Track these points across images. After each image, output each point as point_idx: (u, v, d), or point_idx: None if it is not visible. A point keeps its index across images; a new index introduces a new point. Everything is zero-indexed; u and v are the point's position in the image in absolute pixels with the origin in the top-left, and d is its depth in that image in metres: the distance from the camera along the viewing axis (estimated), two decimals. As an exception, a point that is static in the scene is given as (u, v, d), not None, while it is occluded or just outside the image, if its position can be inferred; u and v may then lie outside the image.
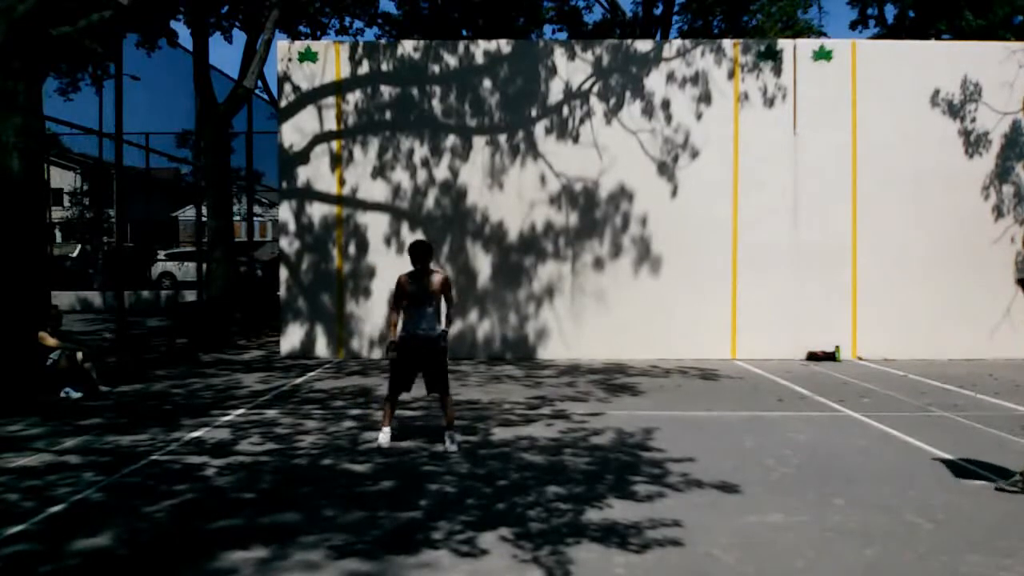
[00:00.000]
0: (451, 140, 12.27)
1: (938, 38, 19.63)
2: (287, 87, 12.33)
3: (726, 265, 12.15)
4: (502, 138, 12.25)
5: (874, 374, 10.62)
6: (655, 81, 12.24)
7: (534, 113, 12.26)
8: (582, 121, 12.22)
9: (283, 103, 12.39)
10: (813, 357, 11.92)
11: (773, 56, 12.21)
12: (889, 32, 22.44)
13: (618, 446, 6.49)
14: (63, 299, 18.48)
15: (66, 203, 35.45)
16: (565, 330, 12.23)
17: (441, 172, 12.28)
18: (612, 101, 12.24)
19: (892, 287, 12.04)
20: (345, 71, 12.27)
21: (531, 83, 12.26)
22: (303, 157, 12.27)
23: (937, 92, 12.20)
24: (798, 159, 12.13)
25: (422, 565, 3.96)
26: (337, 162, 12.28)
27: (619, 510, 4.81)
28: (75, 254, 27.35)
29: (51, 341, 8.69)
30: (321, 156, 12.29)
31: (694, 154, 12.18)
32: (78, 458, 6.05)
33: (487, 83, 12.29)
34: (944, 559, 4.08)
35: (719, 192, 12.15)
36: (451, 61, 12.32)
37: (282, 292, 12.50)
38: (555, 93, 12.24)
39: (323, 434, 6.93)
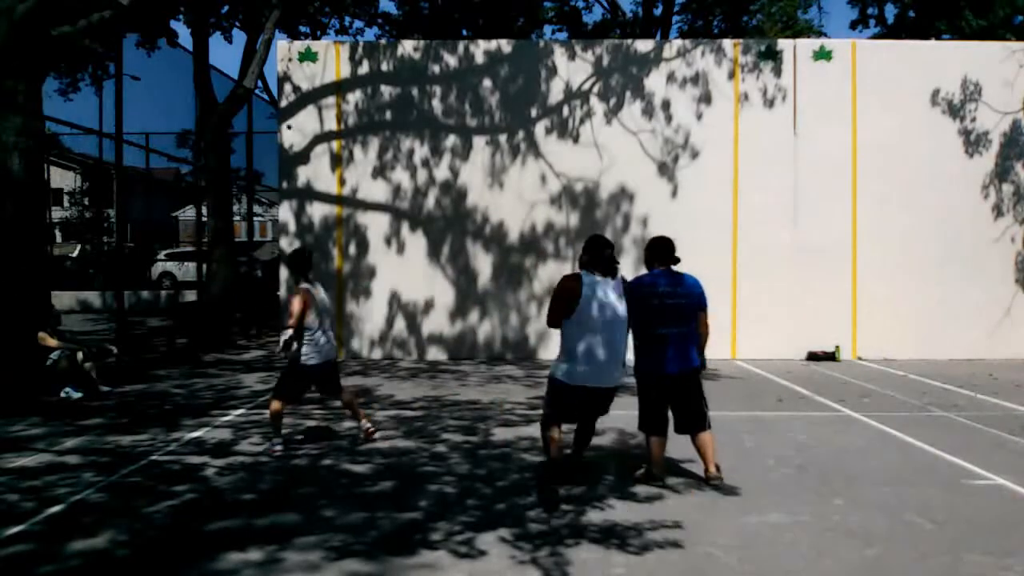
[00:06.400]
0: (451, 140, 12.26)
1: (938, 38, 19.61)
2: (287, 87, 12.32)
3: (726, 265, 12.14)
4: (502, 138, 12.24)
5: (874, 374, 10.62)
6: (655, 81, 12.24)
7: (534, 113, 12.25)
8: (582, 121, 12.21)
9: (283, 103, 12.39)
10: (813, 357, 11.91)
11: (773, 56, 12.21)
12: (889, 32, 22.45)
13: (619, 446, 6.48)
14: (63, 299, 18.47)
15: (66, 203, 35.41)
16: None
17: (441, 172, 12.27)
18: (612, 101, 12.23)
19: (892, 287, 12.02)
20: (345, 71, 12.27)
21: (531, 83, 12.25)
22: (303, 157, 12.27)
23: (937, 92, 12.18)
24: (798, 159, 12.12)
25: (422, 566, 3.96)
26: (337, 162, 12.28)
27: (619, 511, 4.81)
28: (75, 254, 27.32)
29: (51, 341, 8.68)
30: (321, 156, 12.28)
31: (694, 154, 12.18)
32: (78, 458, 6.05)
33: (487, 83, 12.28)
34: (944, 559, 4.07)
35: (719, 192, 12.13)
36: (451, 61, 12.31)
37: (282, 292, 12.49)
38: (555, 93, 12.24)
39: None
